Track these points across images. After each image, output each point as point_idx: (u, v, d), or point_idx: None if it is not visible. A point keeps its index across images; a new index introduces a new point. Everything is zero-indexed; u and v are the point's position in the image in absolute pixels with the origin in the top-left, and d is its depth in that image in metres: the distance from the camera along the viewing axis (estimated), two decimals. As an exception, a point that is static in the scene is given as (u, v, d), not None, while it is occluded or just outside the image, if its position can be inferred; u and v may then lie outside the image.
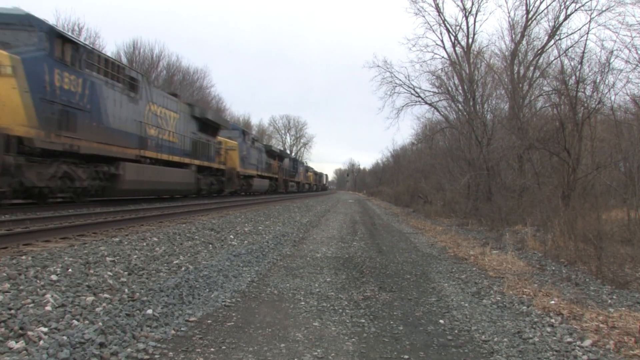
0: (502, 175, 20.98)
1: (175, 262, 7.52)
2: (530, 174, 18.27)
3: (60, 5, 68.65)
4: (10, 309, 4.41)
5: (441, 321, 5.59)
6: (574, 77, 15.03)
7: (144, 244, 8.72)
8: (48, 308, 4.59)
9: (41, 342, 3.91)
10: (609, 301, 6.57)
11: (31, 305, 4.60)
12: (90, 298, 5.07)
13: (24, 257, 6.59)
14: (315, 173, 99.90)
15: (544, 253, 10.34)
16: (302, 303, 6.12)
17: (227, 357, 4.22)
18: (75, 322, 4.42)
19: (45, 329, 4.13)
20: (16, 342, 3.84)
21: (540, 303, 6.16)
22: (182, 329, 4.85)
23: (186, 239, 9.86)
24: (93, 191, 16.07)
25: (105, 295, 5.31)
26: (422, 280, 7.96)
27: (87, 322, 4.49)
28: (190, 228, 11.63)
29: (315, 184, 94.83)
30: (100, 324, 4.47)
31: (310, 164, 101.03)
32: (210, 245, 9.59)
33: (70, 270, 6.03)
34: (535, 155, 17.72)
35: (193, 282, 6.53)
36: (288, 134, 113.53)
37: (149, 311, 5.08)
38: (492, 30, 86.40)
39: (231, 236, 11.25)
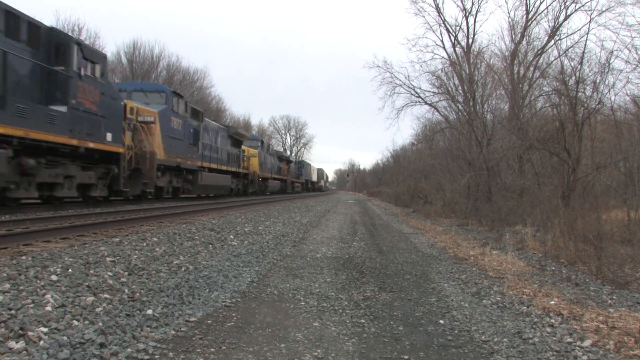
0: (502, 176, 20.97)
1: (175, 262, 7.53)
2: (530, 174, 18.27)
3: (60, 5, 68.64)
4: (10, 309, 4.41)
5: (441, 321, 5.59)
6: (573, 78, 15.03)
7: (144, 244, 8.72)
8: (48, 308, 4.59)
9: (41, 342, 3.91)
10: (609, 301, 6.57)
11: (31, 305, 4.60)
12: (91, 298, 5.08)
13: (24, 257, 6.59)
14: (282, 158, 54.56)
15: (544, 253, 10.34)
16: (302, 303, 6.12)
17: (227, 357, 4.22)
18: (75, 322, 4.43)
19: (45, 329, 4.13)
20: (16, 342, 3.84)
21: (540, 303, 6.17)
22: (182, 329, 4.85)
23: (186, 239, 9.86)
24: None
25: (106, 295, 5.31)
26: (422, 280, 7.96)
27: (87, 322, 4.50)
28: (190, 228, 11.63)
29: (281, 178, 52.47)
30: (101, 324, 4.47)
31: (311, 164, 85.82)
32: (211, 246, 9.59)
33: (70, 270, 6.03)
34: (535, 155, 17.72)
35: (193, 282, 6.54)
36: (288, 134, 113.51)
37: (149, 311, 5.08)
38: (492, 31, 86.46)
39: (231, 236, 11.25)
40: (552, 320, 5.53)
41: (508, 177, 20.56)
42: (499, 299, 6.64)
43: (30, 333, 3.99)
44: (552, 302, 6.18)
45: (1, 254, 6.90)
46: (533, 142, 16.33)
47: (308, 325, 5.22)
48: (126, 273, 6.38)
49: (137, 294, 5.56)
